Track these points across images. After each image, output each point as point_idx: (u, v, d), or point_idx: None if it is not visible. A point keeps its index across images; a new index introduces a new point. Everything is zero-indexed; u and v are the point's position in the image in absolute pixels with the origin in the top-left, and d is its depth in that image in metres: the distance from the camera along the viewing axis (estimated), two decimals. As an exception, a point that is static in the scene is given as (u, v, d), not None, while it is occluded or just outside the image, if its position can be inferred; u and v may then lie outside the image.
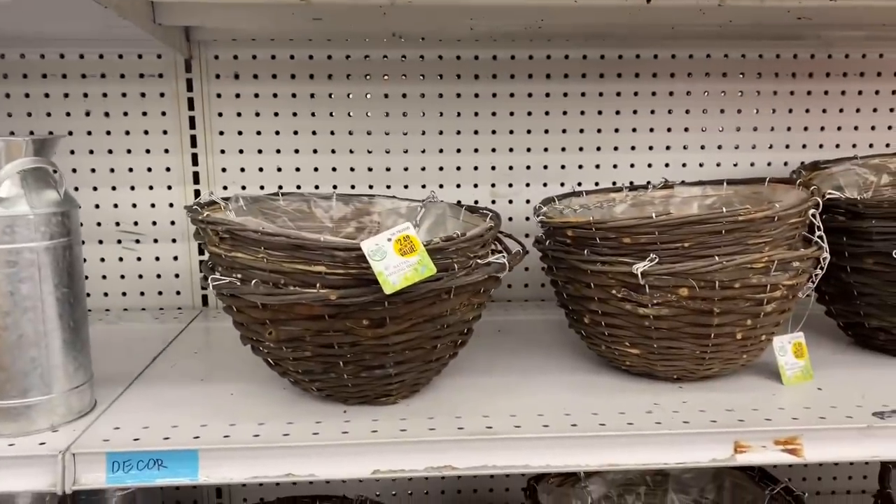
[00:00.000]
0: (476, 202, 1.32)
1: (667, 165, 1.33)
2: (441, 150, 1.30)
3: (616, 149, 1.32)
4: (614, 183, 1.33)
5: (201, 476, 0.78)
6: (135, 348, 1.10)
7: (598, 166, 1.33)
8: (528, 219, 1.33)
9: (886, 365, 1.01)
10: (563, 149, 1.32)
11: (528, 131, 1.31)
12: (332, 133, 1.29)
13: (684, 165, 1.34)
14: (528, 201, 1.33)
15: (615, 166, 1.33)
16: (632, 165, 1.33)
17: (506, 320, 1.23)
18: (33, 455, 0.77)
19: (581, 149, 1.32)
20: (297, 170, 1.29)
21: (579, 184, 1.33)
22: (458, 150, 1.30)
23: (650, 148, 1.33)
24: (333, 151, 1.29)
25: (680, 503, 1.18)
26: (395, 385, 0.85)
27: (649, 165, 1.33)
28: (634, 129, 1.32)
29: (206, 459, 0.78)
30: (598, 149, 1.32)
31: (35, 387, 0.80)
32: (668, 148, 1.33)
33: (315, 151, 1.29)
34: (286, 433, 0.81)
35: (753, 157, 1.34)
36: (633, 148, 1.32)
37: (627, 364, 0.94)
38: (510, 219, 1.33)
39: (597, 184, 1.33)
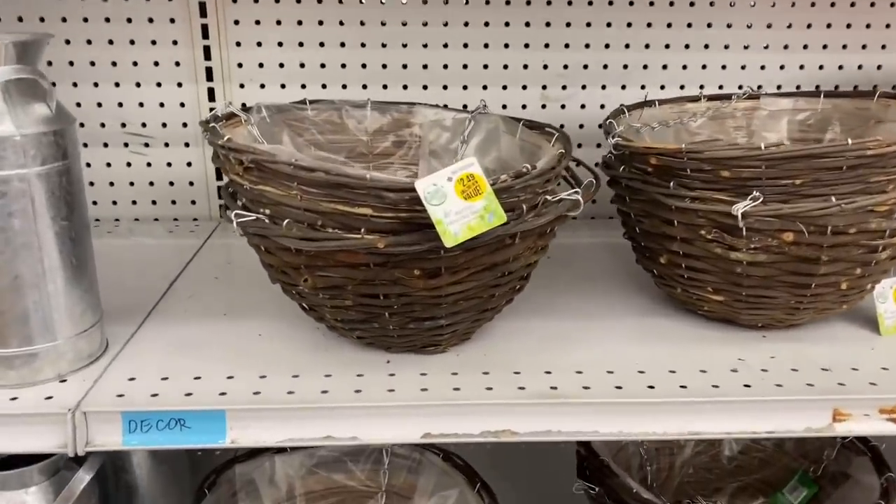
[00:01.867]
0: (524, 106, 1.17)
1: (743, 67, 1.17)
2: (486, 45, 1.14)
3: (687, 47, 1.15)
4: (682, 87, 1.17)
5: (229, 438, 0.69)
6: (148, 271, 0.99)
7: (665, 66, 1.16)
8: (581, 126, 1.19)
9: None
10: (627, 45, 1.15)
11: (588, 24, 1.13)
12: (362, 24, 1.12)
13: (763, 68, 1.17)
14: (583, 106, 1.18)
15: (685, 67, 1.16)
16: (703, 66, 1.16)
17: (559, 244, 1.11)
18: (39, 413, 0.68)
19: (647, 46, 1.15)
20: (322, 66, 1.14)
21: (643, 87, 1.17)
22: (506, 46, 1.14)
23: (726, 47, 1.15)
24: (363, 45, 1.13)
25: (740, 447, 1.10)
26: (445, 335, 0.75)
27: (723, 67, 1.16)
28: (710, 25, 1.14)
29: (235, 420, 0.69)
30: (667, 46, 1.15)
31: (38, 333, 0.70)
32: (746, 48, 1.16)
33: (343, 45, 1.13)
34: (324, 390, 0.71)
35: (844, 58, 1.17)
36: (706, 46, 1.15)
37: (706, 309, 0.83)
38: (561, 126, 1.18)
39: (662, 87, 1.17)
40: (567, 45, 1.14)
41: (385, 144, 0.93)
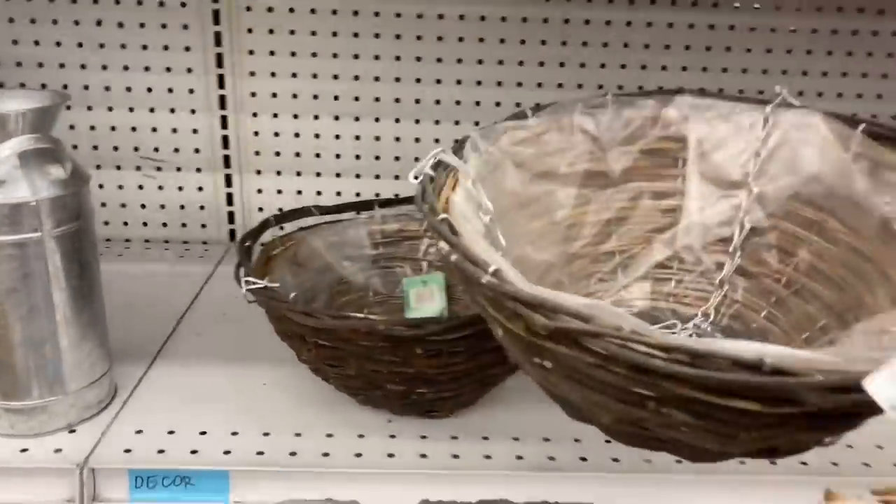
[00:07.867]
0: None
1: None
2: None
3: None
4: None
5: (232, 498, 0.71)
6: (158, 303, 1.00)
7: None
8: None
9: None
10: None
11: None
12: (377, 58, 1.12)
13: None
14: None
15: None
16: None
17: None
18: (48, 468, 0.70)
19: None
20: (336, 98, 1.14)
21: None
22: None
23: None
24: (377, 79, 1.13)
25: None
26: (449, 403, 0.76)
27: None
28: None
29: (239, 479, 0.71)
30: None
31: (47, 387, 0.72)
32: None
33: (356, 78, 1.13)
34: (325, 452, 0.73)
35: None
36: None
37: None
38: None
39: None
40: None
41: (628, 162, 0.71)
